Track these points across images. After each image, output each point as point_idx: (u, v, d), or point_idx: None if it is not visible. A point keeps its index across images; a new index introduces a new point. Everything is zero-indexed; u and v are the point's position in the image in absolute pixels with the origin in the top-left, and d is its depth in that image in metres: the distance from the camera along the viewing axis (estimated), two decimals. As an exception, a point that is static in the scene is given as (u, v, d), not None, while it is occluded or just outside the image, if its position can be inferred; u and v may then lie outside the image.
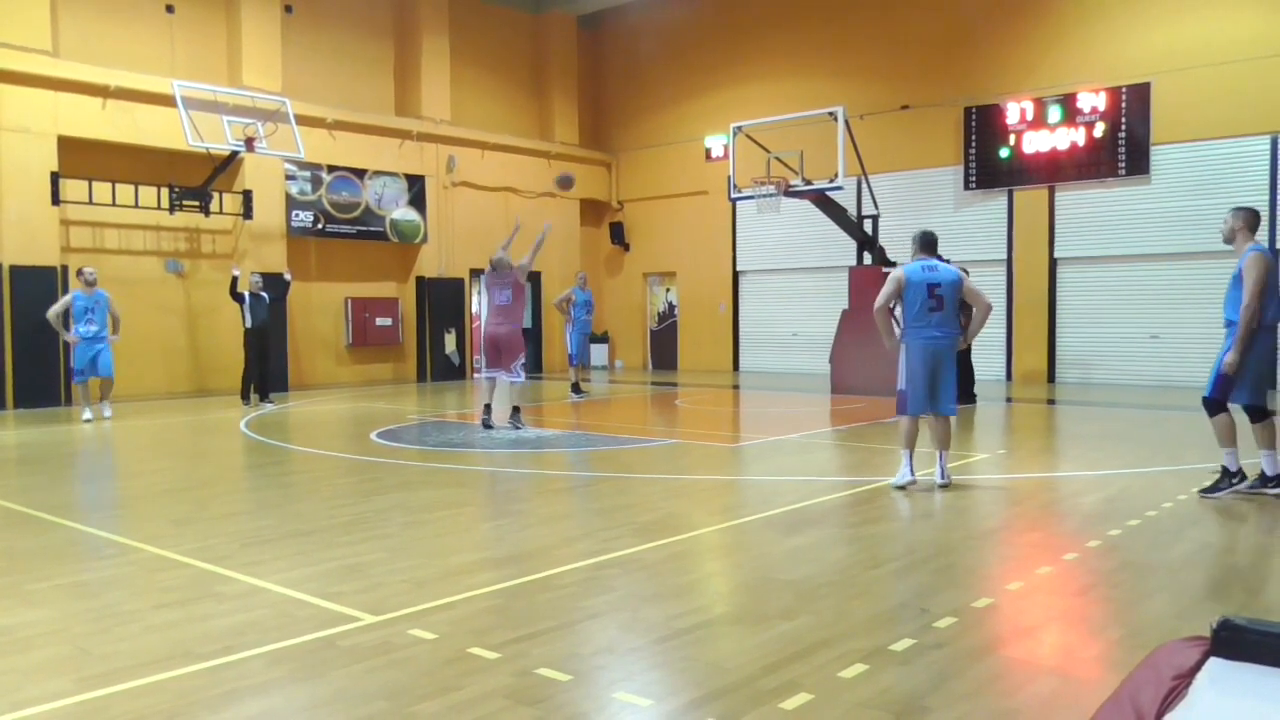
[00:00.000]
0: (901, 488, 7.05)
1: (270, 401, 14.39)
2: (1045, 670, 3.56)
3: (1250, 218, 6.55)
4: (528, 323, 11.73)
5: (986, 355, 17.47)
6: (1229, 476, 6.57)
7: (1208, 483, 6.71)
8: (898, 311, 7.32)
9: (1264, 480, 6.55)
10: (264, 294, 14.42)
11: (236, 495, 7.61)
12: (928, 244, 7.36)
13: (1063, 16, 16.55)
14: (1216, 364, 6.52)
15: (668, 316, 22.70)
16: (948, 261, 7.66)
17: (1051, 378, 16.79)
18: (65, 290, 14.58)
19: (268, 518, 6.35)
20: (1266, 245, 14.75)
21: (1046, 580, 4.71)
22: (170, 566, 5.05)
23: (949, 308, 7.13)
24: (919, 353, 7.10)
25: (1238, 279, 6.38)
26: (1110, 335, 16.29)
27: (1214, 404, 6.56)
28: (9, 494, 7.29)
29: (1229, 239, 6.59)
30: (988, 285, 17.41)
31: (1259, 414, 6.50)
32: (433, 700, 3.23)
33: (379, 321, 18.95)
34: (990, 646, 3.77)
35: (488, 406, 10.71)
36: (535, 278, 21.28)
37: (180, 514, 6.48)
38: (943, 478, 7.13)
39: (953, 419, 7.34)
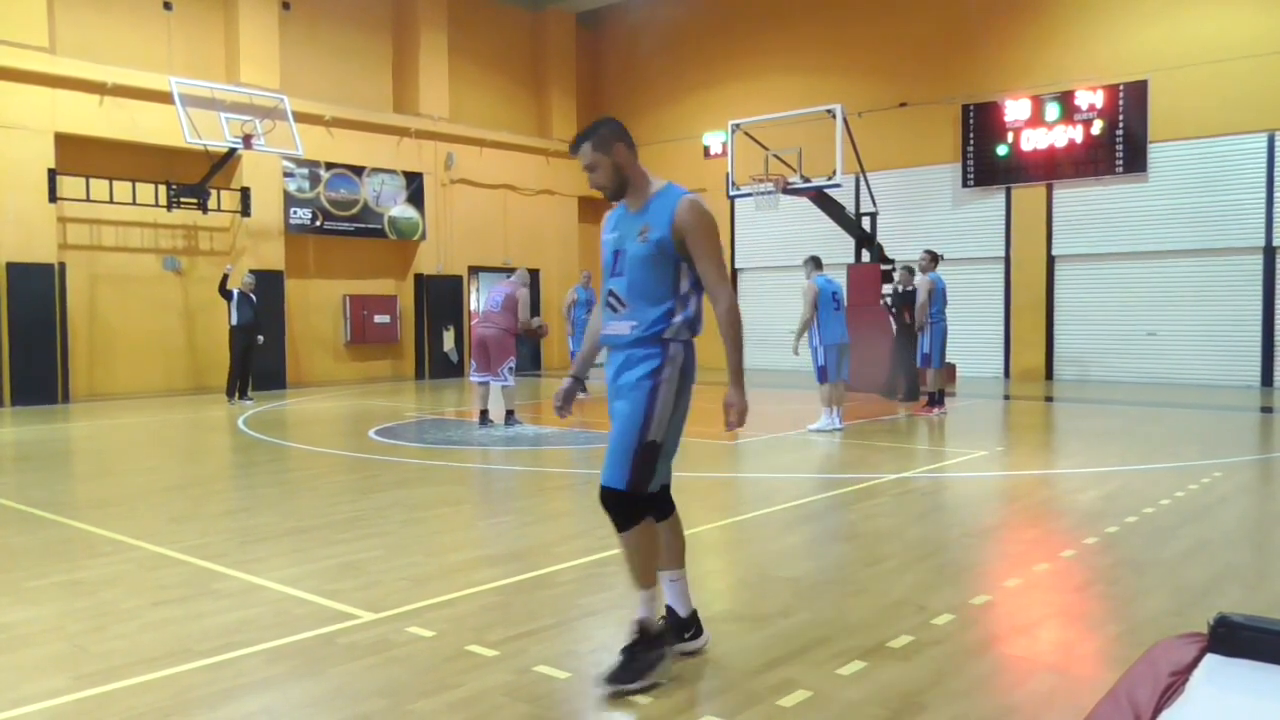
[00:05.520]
0: (824, 432, 10.08)
1: (232, 401, 14.22)
2: (1043, 667, 3.57)
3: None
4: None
5: (985, 352, 17.51)
6: (684, 628, 3.61)
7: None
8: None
9: (678, 625, 3.61)
10: (253, 296, 14.38)
11: (234, 492, 7.61)
12: (819, 264, 10.83)
13: (1061, 14, 16.54)
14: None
15: (666, 314, 22.64)
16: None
17: (1049, 375, 16.79)
18: (64, 287, 14.59)
19: (265, 515, 6.34)
20: (1259, 245, 14.93)
21: (1044, 577, 4.72)
22: (167, 564, 5.05)
23: (843, 309, 10.68)
24: (834, 341, 10.44)
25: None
26: (1108, 332, 16.29)
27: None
28: (5, 491, 7.28)
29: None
30: (986, 282, 17.50)
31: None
32: (431, 698, 3.23)
33: (377, 319, 18.93)
34: (988, 643, 3.77)
35: (484, 412, 10.70)
36: (534, 275, 21.28)
37: (178, 511, 6.48)
38: (834, 425, 10.18)
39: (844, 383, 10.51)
